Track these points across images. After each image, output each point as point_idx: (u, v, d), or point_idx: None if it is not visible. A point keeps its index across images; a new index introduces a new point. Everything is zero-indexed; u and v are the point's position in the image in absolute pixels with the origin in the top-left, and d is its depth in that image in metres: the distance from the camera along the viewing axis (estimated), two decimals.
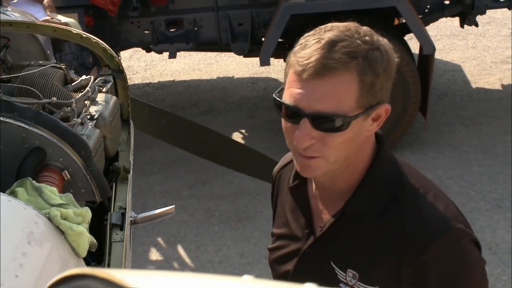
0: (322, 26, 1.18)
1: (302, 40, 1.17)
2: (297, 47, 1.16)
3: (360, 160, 1.23)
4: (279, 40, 4.78)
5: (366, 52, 1.13)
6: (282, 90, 1.21)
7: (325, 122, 1.13)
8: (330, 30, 1.15)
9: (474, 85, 5.80)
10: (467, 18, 5.02)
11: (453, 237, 1.17)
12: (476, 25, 5.08)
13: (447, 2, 5.10)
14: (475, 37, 6.95)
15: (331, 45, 1.11)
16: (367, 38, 1.14)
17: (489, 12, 5.54)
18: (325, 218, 1.28)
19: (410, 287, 1.18)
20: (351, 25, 1.17)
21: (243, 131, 5.35)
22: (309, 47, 1.13)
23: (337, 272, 1.24)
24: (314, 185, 1.31)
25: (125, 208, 1.90)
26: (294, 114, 1.15)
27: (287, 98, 1.16)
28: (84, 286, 0.40)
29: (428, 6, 5.07)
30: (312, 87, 1.12)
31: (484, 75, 5.99)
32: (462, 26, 5.24)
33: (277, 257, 1.38)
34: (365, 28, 1.18)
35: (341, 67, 1.11)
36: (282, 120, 1.19)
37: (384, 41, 1.17)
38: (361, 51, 1.12)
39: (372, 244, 1.21)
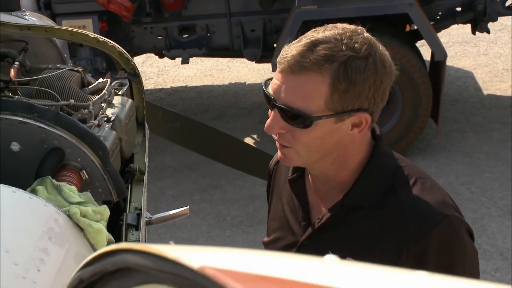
0: (331, 25, 1.21)
1: (303, 35, 1.21)
2: (294, 40, 1.21)
3: (348, 159, 1.26)
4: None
5: (346, 59, 1.15)
6: (271, 79, 1.26)
7: (289, 116, 1.18)
8: (329, 30, 1.19)
9: (485, 92, 5.80)
10: (479, 25, 5.02)
11: (451, 225, 1.21)
12: (488, 32, 5.08)
13: (458, 9, 5.11)
14: (487, 44, 6.94)
15: (313, 44, 1.15)
16: (356, 45, 1.16)
17: (501, 19, 5.53)
18: (323, 210, 1.31)
19: None
20: (351, 28, 1.20)
21: (255, 136, 5.38)
22: (298, 42, 1.18)
23: None
24: (310, 178, 1.34)
25: (141, 209, 1.93)
26: (270, 102, 1.21)
27: (269, 86, 1.23)
28: (121, 260, 0.42)
29: (440, 13, 5.08)
30: (285, 80, 1.18)
31: (495, 82, 5.98)
32: (473, 33, 5.24)
33: (274, 248, 1.40)
34: (364, 35, 1.19)
35: (313, 68, 1.15)
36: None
37: (379, 52, 1.19)
38: (341, 56, 1.15)
39: (371, 233, 1.25)
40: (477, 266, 1.27)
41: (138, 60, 7.02)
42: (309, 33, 1.20)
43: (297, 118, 1.18)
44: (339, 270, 0.40)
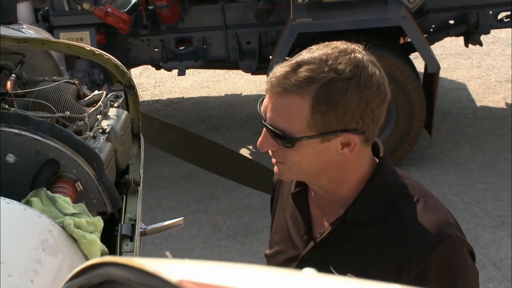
0: (326, 43, 1.21)
1: (300, 52, 1.21)
2: (286, 60, 1.21)
3: (345, 176, 1.25)
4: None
5: (327, 80, 1.14)
6: None
7: (276, 136, 1.19)
8: (320, 49, 1.18)
9: (478, 104, 5.82)
10: (472, 38, 5.05)
11: (452, 245, 1.20)
12: (481, 44, 5.11)
13: (451, 22, 5.14)
14: (480, 56, 6.98)
15: (297, 66, 1.16)
16: (339, 66, 1.15)
17: (494, 31, 5.57)
18: (325, 225, 1.31)
19: None
20: (340, 48, 1.18)
21: (251, 147, 5.38)
22: (285, 62, 1.19)
23: None
24: (312, 193, 1.34)
25: (135, 220, 1.93)
26: (262, 120, 1.22)
27: (262, 104, 1.24)
28: (105, 273, 0.43)
29: (433, 26, 5.12)
30: (271, 99, 1.19)
31: (488, 93, 6.01)
32: (466, 45, 5.27)
33: (275, 264, 1.40)
34: (352, 56, 1.17)
35: (294, 90, 1.15)
36: None
37: (366, 73, 1.16)
38: (322, 78, 1.14)
39: (372, 250, 1.24)
40: (477, 287, 1.26)
41: (135, 72, 7.04)
42: (302, 52, 1.21)
43: (281, 138, 1.19)
44: (316, 284, 0.41)
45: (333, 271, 1.27)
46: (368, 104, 1.17)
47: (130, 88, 2.38)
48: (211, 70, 6.76)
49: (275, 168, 1.27)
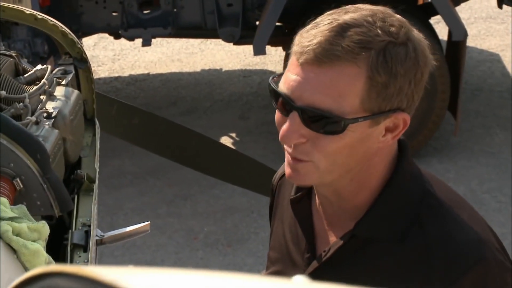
0: (348, 6, 1.19)
1: (318, 19, 1.18)
2: (308, 26, 1.17)
3: (371, 175, 1.23)
4: (277, 24, 4.82)
5: (384, 45, 1.13)
6: (281, 75, 1.22)
7: (317, 121, 1.14)
8: (352, 12, 1.16)
9: None
10: None
11: (489, 270, 1.18)
12: None
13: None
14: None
15: (343, 29, 1.12)
16: (393, 29, 1.14)
17: None
18: (331, 240, 1.29)
19: None
20: (380, 10, 1.18)
21: (233, 135, 5.39)
22: (318, 27, 1.14)
23: None
24: (317, 200, 1.32)
25: (90, 225, 1.93)
26: (286, 105, 1.17)
27: (281, 84, 1.18)
28: (50, 286, 0.43)
29: None
30: (309, 75, 1.14)
31: None
32: (500, 6, 5.30)
33: None
34: (397, 17, 1.18)
35: (346, 57, 1.12)
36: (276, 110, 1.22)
37: (418, 38, 1.17)
38: (378, 43, 1.13)
39: (387, 273, 1.23)
40: None
41: (88, 42, 7.01)
42: (326, 16, 1.17)
43: (326, 122, 1.14)
44: None
45: None
46: (422, 76, 1.18)
47: (81, 61, 2.37)
48: (183, 39, 6.74)
49: (289, 169, 1.21)
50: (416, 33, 1.19)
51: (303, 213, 1.34)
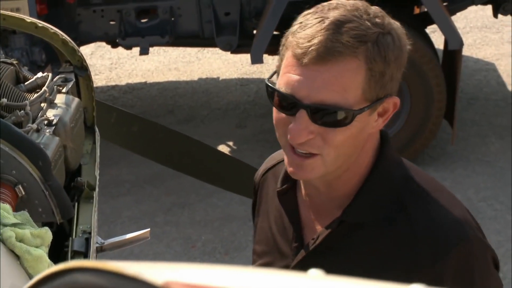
0: (325, 3, 1.23)
1: (301, 19, 1.22)
2: (295, 27, 1.22)
3: (362, 162, 1.29)
4: (275, 33, 4.84)
5: (376, 37, 1.19)
6: (275, 74, 1.27)
7: (327, 115, 1.19)
8: (335, 8, 1.21)
9: (511, 87, 5.89)
10: (502, 6, 5.11)
11: (470, 249, 1.24)
12: None
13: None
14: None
15: (337, 26, 1.17)
16: (377, 20, 1.21)
17: None
18: (318, 229, 1.33)
19: None
20: (359, 3, 1.24)
21: (231, 143, 5.40)
22: (310, 26, 1.19)
23: None
24: (304, 190, 1.36)
25: (90, 233, 1.93)
26: (290, 104, 1.21)
27: (282, 85, 1.22)
28: (70, 282, 0.44)
29: None
30: (313, 73, 1.18)
31: None
32: (495, 16, 5.33)
33: None
34: (375, 8, 1.24)
35: (348, 52, 1.17)
36: (274, 109, 1.25)
37: (396, 24, 1.24)
38: (371, 35, 1.19)
39: (376, 256, 1.28)
40: None
41: (86, 51, 7.02)
42: (311, 15, 1.21)
43: (334, 116, 1.19)
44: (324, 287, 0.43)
45: None
46: (405, 62, 1.25)
47: (82, 69, 2.38)
48: (181, 48, 6.76)
49: (293, 167, 1.24)
50: (393, 21, 1.25)
51: (289, 204, 1.38)
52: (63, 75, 2.33)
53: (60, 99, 2.18)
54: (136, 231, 2.25)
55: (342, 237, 1.30)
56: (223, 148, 5.28)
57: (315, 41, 1.17)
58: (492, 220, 4.19)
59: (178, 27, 5.26)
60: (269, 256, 1.42)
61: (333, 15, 1.19)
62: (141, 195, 4.83)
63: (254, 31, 5.11)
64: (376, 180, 1.28)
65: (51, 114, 2.08)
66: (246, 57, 5.42)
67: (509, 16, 5.24)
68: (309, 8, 1.25)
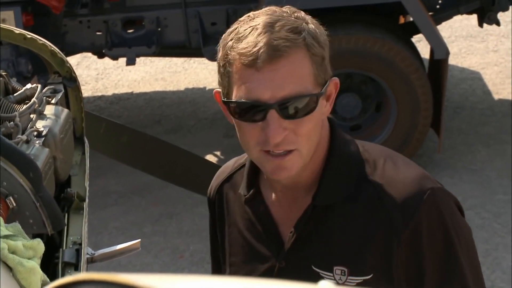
0: (242, 18, 1.31)
1: (231, 35, 1.28)
2: (230, 42, 1.27)
3: (321, 147, 1.35)
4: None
5: (305, 27, 1.27)
6: (227, 94, 1.30)
7: (294, 107, 1.25)
8: (256, 17, 1.28)
9: (496, 96, 5.94)
10: (487, 16, 5.15)
11: (436, 199, 1.31)
12: (498, 24, 5.22)
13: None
14: (497, 38, 7.12)
15: (270, 27, 1.24)
16: (296, 14, 1.29)
17: None
18: (293, 223, 1.37)
19: (403, 266, 1.30)
20: (272, 7, 1.31)
21: (218, 153, 5.40)
22: (246, 36, 1.25)
23: (322, 275, 1.34)
24: (271, 192, 1.40)
25: (80, 244, 1.93)
26: (257, 110, 1.26)
27: (242, 95, 1.26)
28: None
29: (440, 1, 5.21)
30: (270, 74, 1.24)
31: (508, 84, 6.13)
32: (481, 25, 5.38)
33: None
34: (285, 7, 1.32)
35: (292, 45, 1.25)
36: (236, 124, 1.31)
37: (307, 15, 1.33)
38: (301, 25, 1.27)
39: (354, 232, 1.33)
40: (474, 244, 1.37)
41: (72, 61, 7.00)
42: (240, 26, 1.28)
43: (302, 105, 1.26)
44: None
45: (317, 270, 1.35)
46: (328, 44, 1.32)
47: (71, 80, 2.39)
48: (167, 58, 6.76)
49: (275, 169, 1.29)
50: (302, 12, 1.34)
51: (260, 207, 1.41)
52: (52, 86, 2.34)
53: (49, 110, 2.18)
54: (123, 242, 2.25)
55: (317, 222, 1.35)
56: (210, 158, 5.28)
57: (260, 44, 1.23)
58: (479, 228, 4.21)
59: (164, 38, 5.27)
60: (249, 263, 1.44)
61: (260, 20, 1.26)
62: (128, 206, 4.82)
63: None
64: (336, 161, 1.35)
65: (40, 125, 2.08)
66: None
67: (494, 25, 5.29)
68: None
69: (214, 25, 5.20)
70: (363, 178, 1.34)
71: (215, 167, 3.48)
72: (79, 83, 2.42)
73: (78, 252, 1.89)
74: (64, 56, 2.41)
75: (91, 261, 2.08)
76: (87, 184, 2.24)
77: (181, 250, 4.31)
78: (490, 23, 5.19)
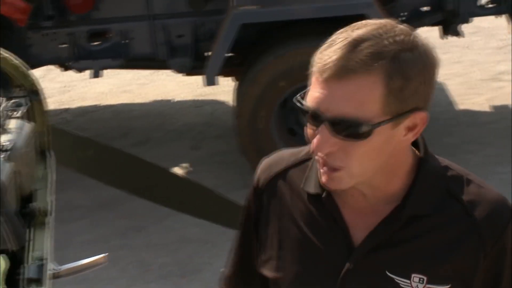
0: (356, 23, 1.31)
1: (331, 37, 1.29)
2: (324, 45, 1.29)
3: (400, 165, 1.36)
4: (228, 54, 4.87)
5: (394, 53, 1.24)
6: (305, 93, 1.32)
7: (345, 128, 1.25)
8: (362, 27, 1.28)
9: (460, 107, 6.02)
10: (450, 28, 5.23)
11: None
12: (461, 35, 5.30)
13: (426, 9, 5.31)
14: (460, 50, 7.23)
15: (354, 45, 1.24)
16: (399, 37, 1.26)
17: (475, 20, 5.78)
18: (365, 227, 1.38)
19: (483, 276, 1.37)
20: (388, 22, 1.30)
21: (186, 165, 5.39)
22: (332, 46, 1.26)
23: (398, 281, 1.36)
24: (344, 194, 1.40)
25: (45, 259, 1.91)
26: (315, 118, 1.28)
27: (308, 100, 1.29)
28: None
29: (405, 14, 5.27)
30: (332, 89, 1.25)
31: (471, 94, 6.23)
32: (443, 37, 5.45)
33: (302, 283, 1.42)
34: (402, 26, 1.30)
35: (362, 70, 1.23)
36: (308, 125, 1.32)
37: (423, 41, 1.30)
38: (389, 52, 1.24)
39: (438, 242, 1.35)
40: None
41: (36, 74, 6.94)
42: (339, 34, 1.29)
43: (353, 129, 1.25)
44: None
45: (392, 276, 1.36)
46: (433, 75, 1.30)
47: (34, 93, 2.36)
48: (134, 70, 6.74)
49: (325, 177, 1.31)
50: (420, 39, 1.30)
51: (331, 207, 1.41)
52: (16, 100, 2.31)
53: (13, 124, 2.15)
54: (90, 256, 2.22)
55: (399, 230, 1.36)
56: (178, 170, 5.27)
57: (333, 58, 1.24)
58: None
59: (131, 50, 5.25)
60: (307, 260, 1.43)
61: (356, 34, 1.26)
62: (95, 220, 4.78)
63: (208, 53, 5.12)
64: (425, 174, 1.37)
65: (4, 139, 2.05)
66: (201, 78, 5.43)
67: (457, 37, 5.37)
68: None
69: (181, 37, 5.20)
70: (449, 194, 1.37)
71: (182, 180, 3.47)
72: (43, 96, 2.39)
73: (42, 267, 1.86)
74: (28, 69, 2.39)
75: (56, 276, 2.05)
76: (52, 198, 2.22)
77: (148, 263, 4.28)
78: (453, 35, 5.27)
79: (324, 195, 1.40)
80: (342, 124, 1.25)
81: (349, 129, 1.25)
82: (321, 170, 1.32)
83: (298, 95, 1.33)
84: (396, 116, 1.26)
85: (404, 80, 1.24)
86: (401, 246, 1.36)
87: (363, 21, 1.31)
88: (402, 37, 1.26)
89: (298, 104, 1.31)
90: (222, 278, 1.68)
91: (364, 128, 1.24)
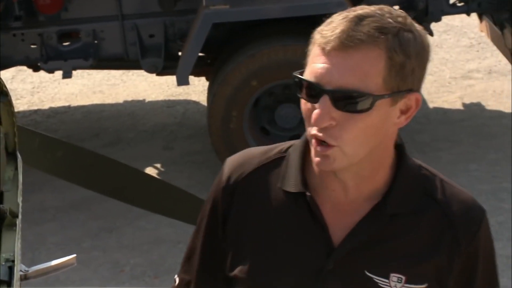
0: (353, 7, 1.33)
1: (328, 19, 1.31)
2: (324, 24, 1.31)
3: (386, 156, 1.37)
4: (200, 54, 4.87)
5: (397, 31, 1.27)
6: (303, 72, 1.33)
7: (348, 100, 1.25)
8: (360, 9, 1.30)
9: (431, 105, 6.08)
10: (423, 27, 5.27)
11: (486, 218, 1.42)
12: (431, 34, 5.35)
13: (396, 8, 5.34)
14: (431, 48, 7.28)
15: (359, 19, 1.26)
16: (399, 18, 1.29)
17: (446, 19, 5.85)
18: (345, 227, 1.37)
19: (458, 276, 1.39)
20: (384, 6, 1.33)
21: (158, 165, 5.37)
22: (333, 22, 1.28)
23: (377, 280, 1.36)
24: (327, 189, 1.38)
25: (13, 261, 1.90)
26: (315, 92, 1.27)
27: (308, 74, 1.29)
28: None
29: None
30: (336, 60, 1.25)
31: (442, 92, 6.29)
32: None
33: (279, 285, 1.40)
34: (400, 11, 1.33)
35: (369, 40, 1.25)
36: (302, 102, 1.31)
37: (418, 26, 1.33)
38: (392, 28, 1.27)
39: (416, 242, 1.37)
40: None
41: (5, 75, 6.88)
42: (338, 14, 1.30)
43: (355, 100, 1.25)
44: None
45: (371, 275, 1.36)
46: (427, 60, 1.32)
47: (2, 94, 2.34)
48: (105, 71, 6.70)
49: (317, 158, 1.30)
50: (416, 23, 1.33)
51: (309, 207, 1.38)
52: None
53: None
54: (62, 257, 2.21)
55: (378, 229, 1.36)
56: (150, 171, 5.25)
57: (337, 30, 1.25)
58: None
59: (101, 50, 5.22)
60: (284, 264, 1.40)
61: (356, 12, 1.28)
62: (66, 221, 4.75)
63: (179, 53, 5.12)
64: (405, 173, 1.38)
65: None
66: (172, 78, 5.42)
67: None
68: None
69: (152, 37, 5.18)
70: (426, 193, 1.39)
71: (154, 180, 3.46)
72: (10, 97, 2.37)
73: (11, 269, 1.85)
74: None
75: (25, 278, 2.04)
76: (20, 199, 2.20)
77: (121, 264, 4.27)
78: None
79: (307, 193, 1.37)
80: (344, 96, 1.25)
81: (351, 101, 1.25)
82: (314, 151, 1.31)
83: (297, 72, 1.33)
84: (396, 92, 1.28)
85: (405, 57, 1.27)
86: (380, 245, 1.36)
87: (359, 6, 1.34)
88: (401, 18, 1.29)
89: (297, 79, 1.31)
90: (179, 285, 1.58)
91: (367, 100, 1.25)
